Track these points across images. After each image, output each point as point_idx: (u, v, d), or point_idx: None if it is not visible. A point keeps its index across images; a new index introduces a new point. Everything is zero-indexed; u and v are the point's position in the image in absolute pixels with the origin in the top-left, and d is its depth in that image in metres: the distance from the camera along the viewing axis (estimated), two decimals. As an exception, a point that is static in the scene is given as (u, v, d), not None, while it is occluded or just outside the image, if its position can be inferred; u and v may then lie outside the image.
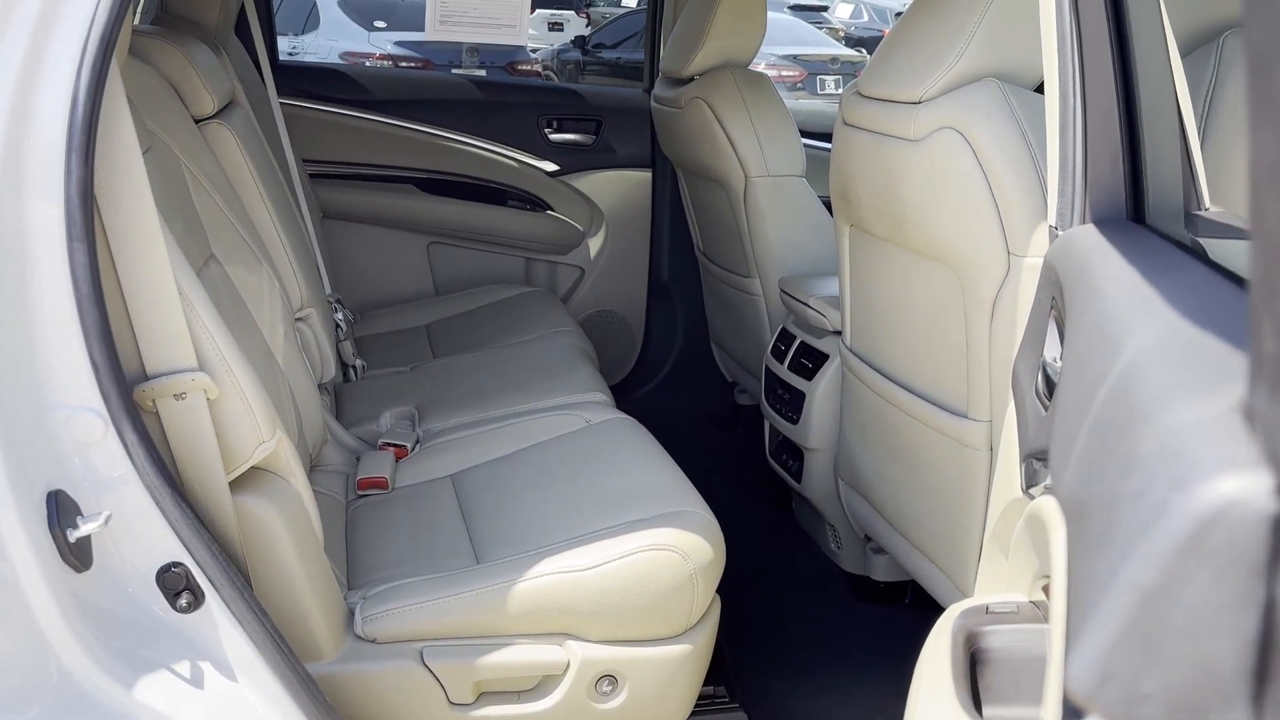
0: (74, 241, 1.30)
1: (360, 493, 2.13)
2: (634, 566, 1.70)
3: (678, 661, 1.74)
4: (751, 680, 2.15)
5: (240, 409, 1.50)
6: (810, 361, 2.55)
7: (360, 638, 1.68)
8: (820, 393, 2.49)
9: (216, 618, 1.41)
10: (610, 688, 1.73)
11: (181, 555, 1.39)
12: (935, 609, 2.52)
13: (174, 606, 1.40)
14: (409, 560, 1.85)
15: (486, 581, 1.70)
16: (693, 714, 1.83)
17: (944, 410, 1.94)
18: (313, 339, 2.34)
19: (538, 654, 1.70)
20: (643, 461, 2.03)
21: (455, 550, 1.86)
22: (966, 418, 1.89)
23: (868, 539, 2.53)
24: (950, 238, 1.82)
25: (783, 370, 2.64)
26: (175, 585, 1.39)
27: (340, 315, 2.66)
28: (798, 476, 2.63)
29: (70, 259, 1.30)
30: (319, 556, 1.66)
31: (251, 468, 1.55)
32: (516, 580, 1.69)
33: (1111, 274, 0.98)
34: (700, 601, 1.76)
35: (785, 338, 2.70)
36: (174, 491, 1.39)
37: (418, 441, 2.30)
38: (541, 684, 1.73)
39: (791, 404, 2.59)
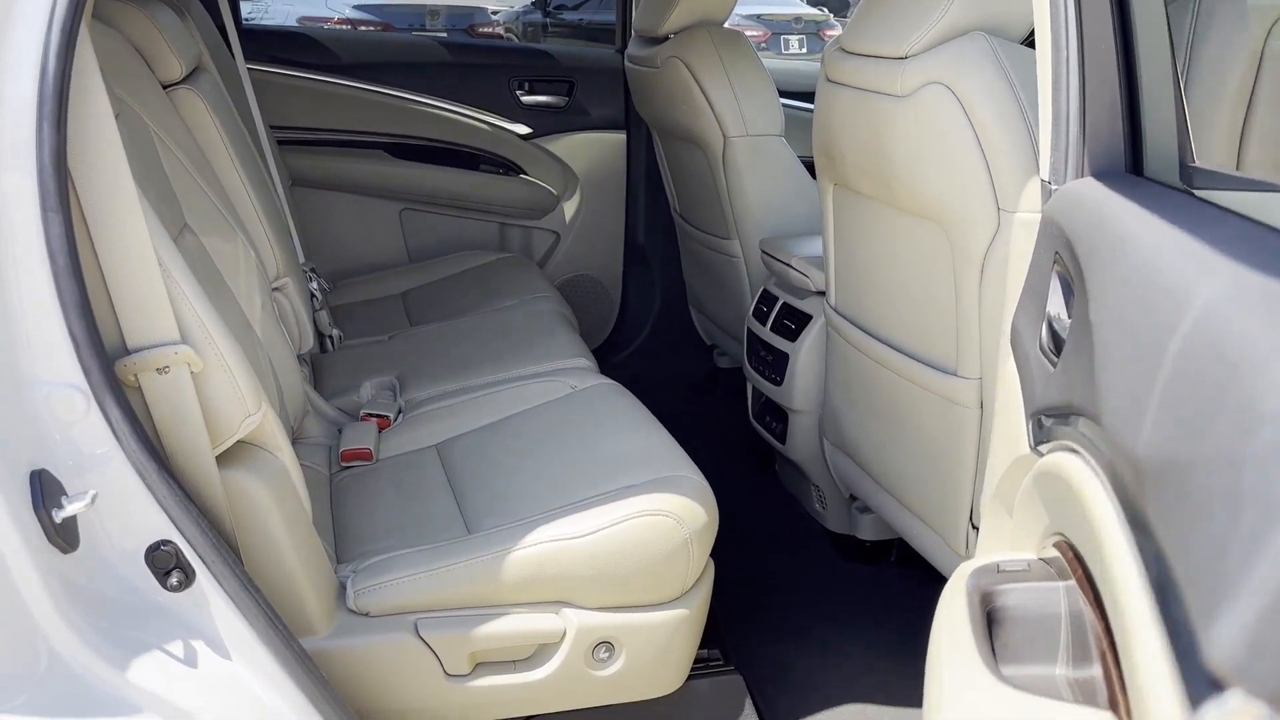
0: (49, 213, 1.26)
1: (344, 465, 2.09)
2: (629, 532, 1.68)
3: (674, 626, 1.73)
4: (743, 642, 2.15)
5: (225, 382, 1.47)
6: (793, 322, 2.53)
7: (353, 611, 1.65)
8: (804, 354, 2.47)
9: (208, 595, 1.38)
10: (607, 654, 1.72)
11: (170, 533, 1.36)
12: (921, 566, 2.53)
13: (164, 585, 1.36)
14: (399, 532, 1.83)
15: (480, 551, 1.68)
16: (689, 677, 1.82)
17: (932, 368, 1.94)
18: (290, 309, 2.30)
19: (534, 623, 1.69)
20: (631, 427, 2.01)
21: (446, 521, 1.83)
22: (956, 375, 1.88)
23: (853, 499, 2.53)
24: (938, 194, 1.81)
25: (765, 332, 2.63)
26: (165, 564, 1.36)
27: (315, 285, 2.61)
28: (782, 438, 2.62)
29: (45, 231, 1.26)
30: (308, 530, 1.63)
31: (237, 442, 1.52)
32: (511, 549, 1.67)
33: (1144, 227, 0.97)
34: (695, 565, 1.75)
35: (767, 299, 2.68)
36: (160, 468, 1.35)
37: (400, 411, 2.27)
38: (538, 652, 1.72)
39: (775, 366, 2.58)
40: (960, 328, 1.85)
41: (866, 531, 2.53)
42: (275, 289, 2.26)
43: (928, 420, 1.97)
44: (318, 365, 2.53)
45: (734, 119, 2.71)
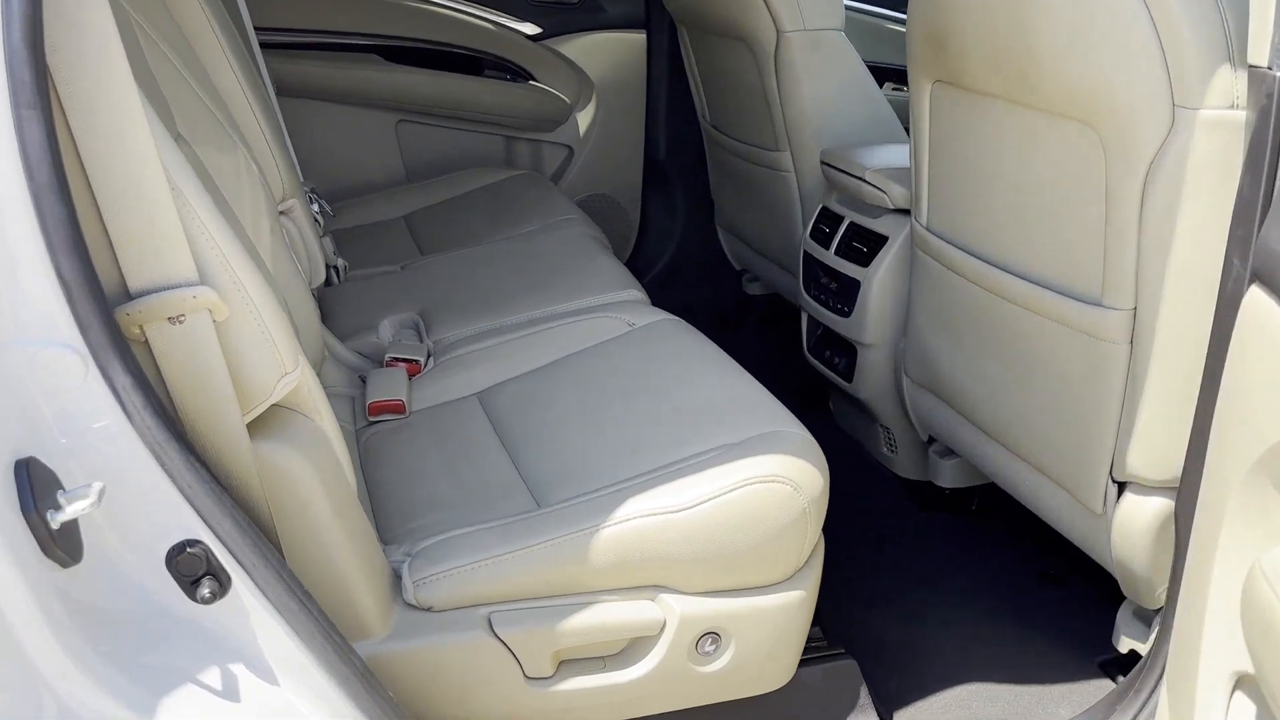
0: (23, 109, 0.93)
1: (371, 419, 1.79)
2: (739, 503, 1.40)
3: (788, 610, 1.46)
4: (832, 612, 1.89)
5: (255, 332, 1.15)
6: (864, 245, 2.23)
7: (413, 606, 1.36)
8: (879, 281, 2.18)
9: (248, 606, 1.09)
10: (713, 646, 1.44)
11: (198, 530, 1.06)
12: (1005, 517, 2.29)
13: (193, 597, 1.06)
14: (452, 504, 1.53)
15: (560, 529, 1.39)
16: (805, 660, 1.56)
17: (1069, 298, 1.65)
18: (298, 236, 1.96)
19: (627, 613, 1.40)
20: (711, 371, 1.71)
21: (507, 490, 1.54)
22: (1101, 305, 1.60)
23: (930, 441, 2.27)
24: (1095, 88, 1.50)
25: (828, 256, 2.33)
26: (193, 570, 1.06)
27: (316, 207, 2.27)
28: (846, 375, 2.34)
29: (20, 135, 0.93)
30: (356, 510, 1.33)
31: (272, 407, 1.21)
32: (598, 526, 1.38)
33: None
34: (810, 538, 1.47)
35: (829, 219, 2.37)
36: (182, 446, 1.04)
37: (430, 355, 1.95)
38: (632, 647, 1.44)
39: (841, 294, 2.29)
40: (1110, 250, 1.57)
41: (946, 478, 2.26)
42: (282, 213, 1.93)
43: (1059, 358, 1.69)
44: (324, 301, 2.20)
45: (790, 11, 2.37)
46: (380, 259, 2.42)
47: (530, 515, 1.44)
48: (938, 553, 2.17)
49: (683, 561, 1.40)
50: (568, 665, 1.42)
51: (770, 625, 1.45)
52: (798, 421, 1.57)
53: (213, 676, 1.06)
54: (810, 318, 2.49)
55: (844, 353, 2.36)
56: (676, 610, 1.41)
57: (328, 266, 2.24)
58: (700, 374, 1.71)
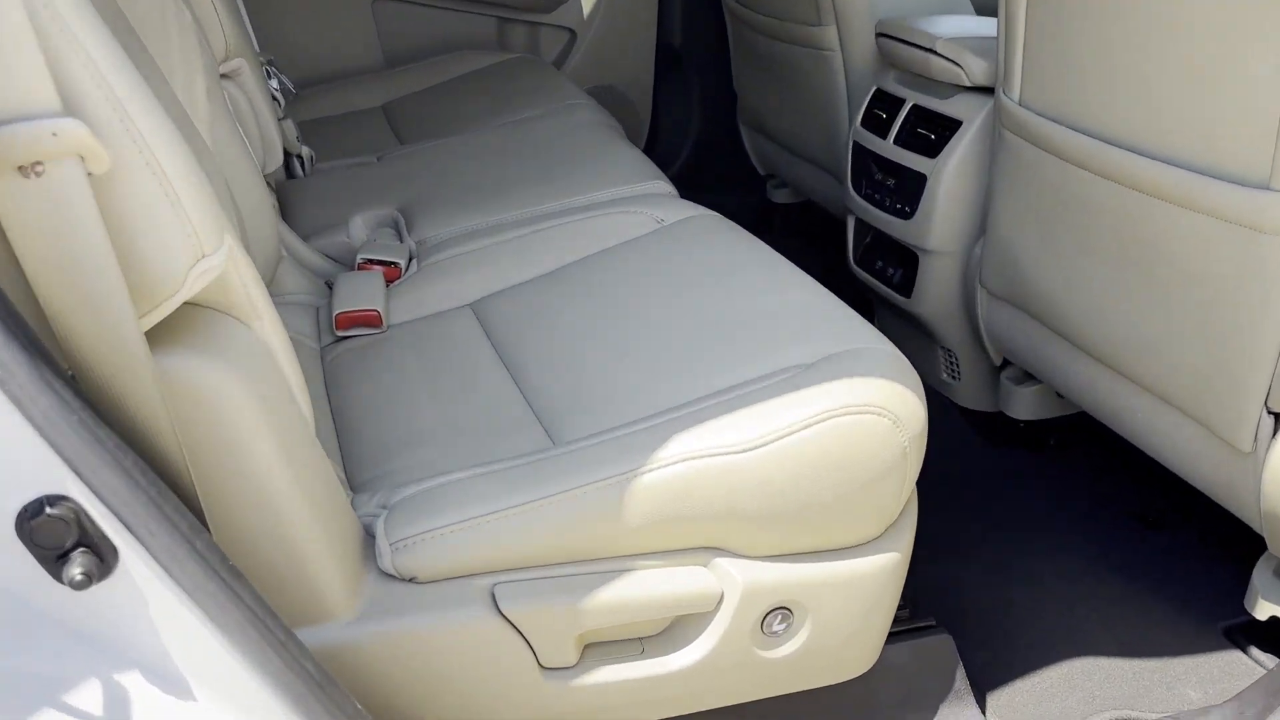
0: None
1: (340, 333, 1.43)
2: (822, 442, 1.06)
3: (879, 577, 1.13)
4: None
5: (156, 198, 0.79)
6: (932, 131, 1.87)
7: (391, 577, 1.02)
8: (950, 172, 1.82)
9: (144, 590, 0.74)
10: (784, 625, 1.11)
11: (65, 482, 0.71)
12: (1090, 453, 1.97)
13: (60, 578, 0.72)
14: (441, 439, 1.19)
15: (584, 475, 1.04)
16: (892, 635, 1.24)
17: (1223, 181, 1.30)
18: (247, 107, 1.59)
19: (673, 583, 1.07)
20: (766, 275, 1.36)
21: (514, 424, 1.19)
22: (1269, 189, 1.25)
23: (1004, 366, 1.93)
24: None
25: (886, 146, 1.96)
26: (58, 539, 0.71)
27: (275, 83, 1.88)
28: (903, 289, 1.99)
29: None
30: (311, 449, 0.98)
31: (186, 307, 0.86)
32: (635, 472, 1.04)
33: None
34: (908, 485, 1.14)
35: (885, 102, 2.01)
36: (35, 358, 0.69)
37: (412, 258, 1.59)
38: (678, 628, 1.11)
39: (901, 191, 1.93)
40: (1290, 116, 1.21)
41: (1022, 408, 1.92)
42: (225, 75, 1.55)
43: (1202, 259, 1.35)
44: (285, 195, 1.84)
45: None
46: (353, 149, 2.05)
47: (544, 456, 1.09)
48: (1013, 496, 1.84)
49: (746, 517, 1.06)
50: (595, 651, 1.09)
51: (856, 596, 1.12)
52: (883, 337, 1.22)
53: (90, 693, 0.72)
54: (858, 222, 2.13)
55: (901, 262, 2.01)
56: (737, 579, 1.08)
57: (289, 155, 1.87)
58: (754, 278, 1.36)
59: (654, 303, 1.33)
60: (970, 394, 2.00)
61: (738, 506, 1.05)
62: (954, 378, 2.02)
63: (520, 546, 1.03)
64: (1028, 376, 1.90)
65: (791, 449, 1.05)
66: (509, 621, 1.02)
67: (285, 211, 1.78)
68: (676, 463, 1.04)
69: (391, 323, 1.46)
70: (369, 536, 1.05)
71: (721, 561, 1.08)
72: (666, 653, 1.09)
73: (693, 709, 1.13)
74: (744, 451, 1.05)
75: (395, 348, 1.40)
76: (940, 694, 1.31)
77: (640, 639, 1.11)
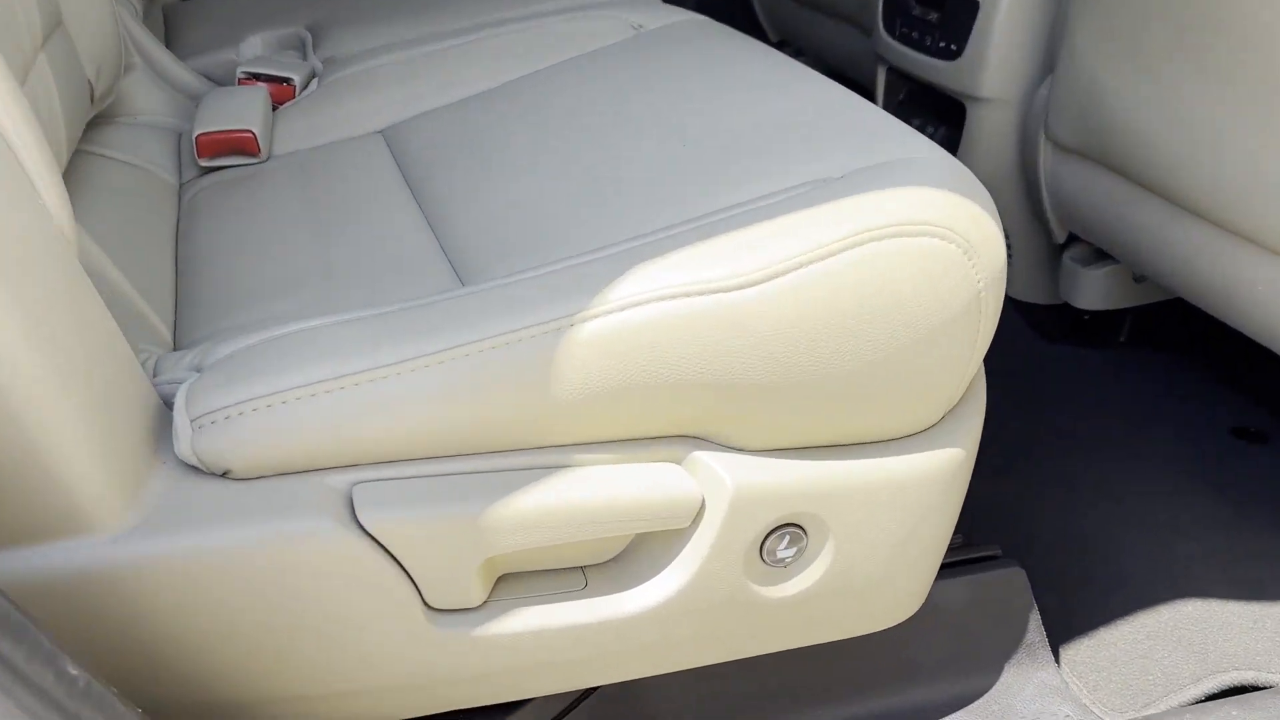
0: None
1: (205, 163, 1.07)
2: (856, 275, 0.69)
3: (933, 484, 0.77)
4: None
5: None
6: (985, -54, 1.49)
7: (193, 469, 0.67)
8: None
9: None
10: (793, 550, 0.76)
11: None
12: (1168, 350, 1.61)
13: None
14: (311, 287, 0.83)
15: (493, 323, 0.68)
16: (943, 570, 0.89)
17: None
18: None
19: (630, 485, 0.71)
20: (777, 80, 0.99)
21: (412, 266, 0.84)
22: None
23: (1068, 244, 1.56)
24: None
25: (926, -29, 1.58)
26: None
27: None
28: (949, 149, 1.61)
29: None
30: (68, 288, 0.62)
31: None
32: (573, 317, 0.68)
33: None
34: (980, 349, 0.78)
35: (926, -83, 1.62)
36: None
37: (314, 75, 1.22)
38: (636, 552, 0.75)
39: (947, 25, 1.55)
40: None
41: (1089, 295, 1.56)
42: None
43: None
44: (174, 19, 1.46)
45: None
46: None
47: (438, 299, 0.73)
48: (1079, 403, 1.48)
49: (740, 389, 0.70)
50: (513, 585, 0.74)
51: (898, 510, 0.77)
52: (937, 146, 0.86)
53: None
54: (890, 75, 1.75)
55: (943, 118, 1.64)
56: (725, 482, 0.72)
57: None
58: (758, 83, 0.98)
59: (624, 121, 0.96)
60: (1025, 281, 1.63)
61: (728, 372, 0.69)
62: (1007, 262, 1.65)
63: (394, 428, 0.67)
64: (1097, 256, 1.53)
65: (810, 286, 0.69)
66: (375, 540, 0.66)
67: (172, 36, 1.40)
68: (635, 305, 0.68)
69: (276, 152, 1.10)
70: (165, 410, 0.69)
71: (703, 456, 0.73)
72: (621, 588, 0.74)
73: (660, 669, 0.78)
74: (739, 289, 0.69)
75: (274, 181, 1.04)
76: (1006, 648, 0.96)
77: (582, 568, 0.76)
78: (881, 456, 0.76)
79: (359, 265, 0.86)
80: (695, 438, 0.74)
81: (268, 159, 1.09)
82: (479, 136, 1.03)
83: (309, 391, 0.66)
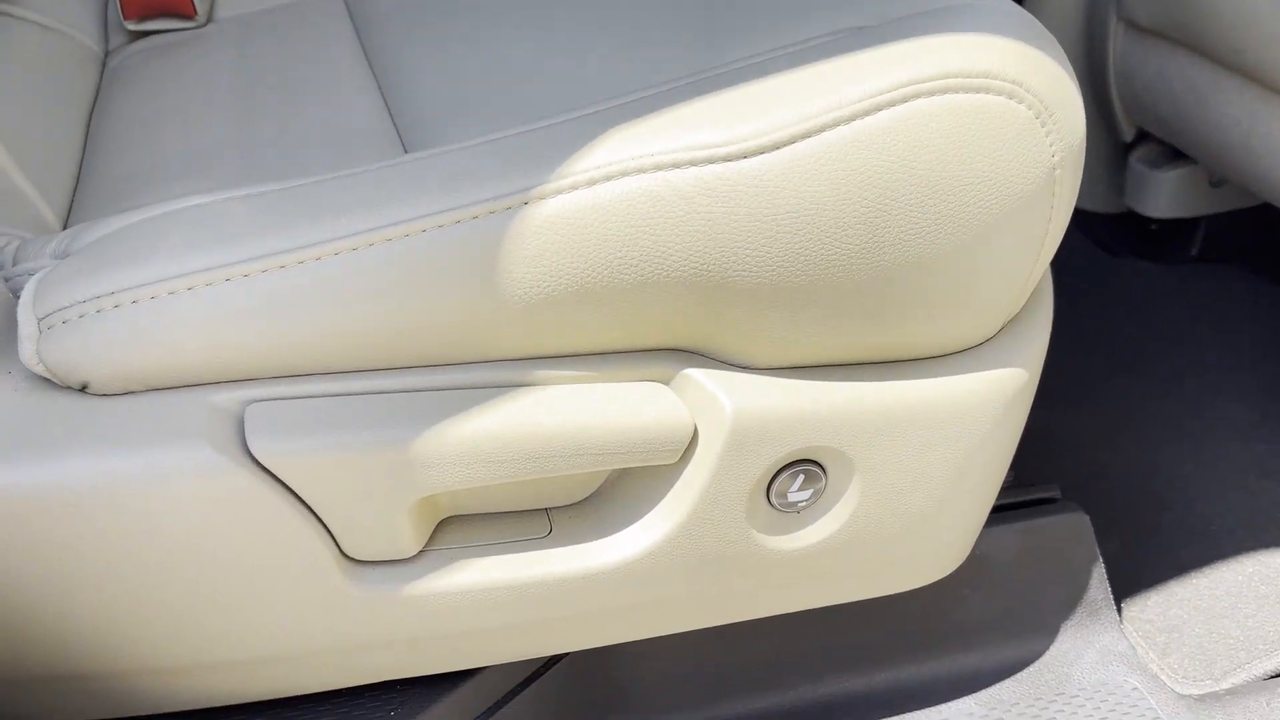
0: None
1: (133, 26, 0.92)
2: (894, 141, 0.53)
3: (987, 411, 0.62)
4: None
5: None
6: None
7: (42, 381, 0.53)
8: None
9: None
10: (808, 491, 0.61)
11: None
12: (1240, 268, 1.44)
13: None
14: (226, 161, 0.68)
15: (431, 199, 0.53)
16: (993, 515, 0.74)
17: None
18: None
19: (606, 409, 0.56)
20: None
21: (355, 137, 0.69)
22: None
23: (1132, 144, 1.38)
24: None
25: None
26: None
27: None
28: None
29: None
30: None
31: None
32: (531, 192, 0.53)
33: None
34: (1048, 249, 0.62)
35: None
36: None
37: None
38: (613, 491, 0.61)
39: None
40: None
41: (1159, 203, 1.38)
42: None
43: None
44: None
45: None
46: None
47: (362, 171, 0.58)
48: (1146, 322, 1.31)
49: (741, 289, 0.55)
50: (457, 532, 0.59)
51: (941, 444, 0.61)
52: (1006, -3, 0.68)
53: None
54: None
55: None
56: (724, 406, 0.57)
57: None
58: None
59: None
60: (1084, 187, 1.46)
61: (726, 267, 0.54)
62: (1060, 166, 1.47)
63: (297, 333, 0.52)
64: (1169, 157, 1.35)
65: (835, 154, 0.53)
66: (271, 475, 0.52)
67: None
68: (607, 178, 0.53)
69: (220, 15, 0.94)
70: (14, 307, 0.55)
71: (696, 375, 0.58)
72: (594, 536, 0.60)
73: (640, 634, 0.64)
74: (741, 158, 0.53)
75: (210, 48, 0.88)
76: (1065, 607, 0.81)
77: (546, 510, 0.61)
78: (922, 378, 0.60)
79: (288, 139, 0.71)
80: (687, 351, 0.59)
81: (207, 22, 0.93)
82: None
83: (184, 284, 0.51)
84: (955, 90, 0.54)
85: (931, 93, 0.54)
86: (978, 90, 0.54)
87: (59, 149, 0.75)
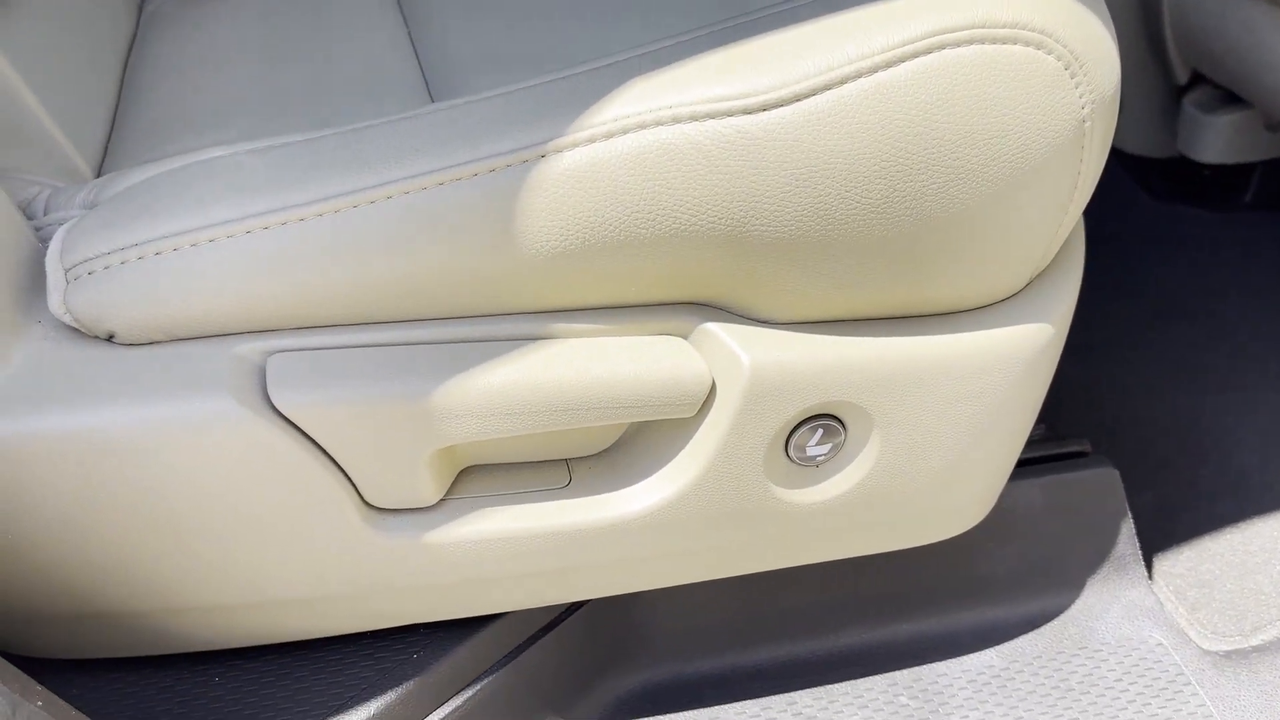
0: None
1: (166, -28, 0.92)
2: (918, 94, 0.52)
3: (1013, 367, 0.61)
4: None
5: None
6: None
7: (70, 330, 0.54)
8: None
9: None
10: (827, 446, 0.61)
11: None
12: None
13: None
14: (252, 110, 0.69)
15: (446, 153, 0.53)
16: (1020, 468, 0.73)
17: None
18: None
19: (624, 361, 0.57)
20: None
21: (382, 86, 0.69)
22: None
23: (1186, 88, 1.34)
24: None
25: None
26: None
27: None
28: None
29: None
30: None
31: None
32: (545, 146, 0.52)
33: None
34: (1078, 203, 0.60)
35: None
36: None
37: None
38: (631, 443, 0.61)
39: None
40: None
41: (1213, 148, 1.34)
42: None
43: None
44: None
45: None
46: None
47: (379, 122, 0.58)
48: (1193, 270, 1.29)
49: (765, 243, 0.54)
50: (479, 479, 0.60)
51: (965, 402, 0.61)
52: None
53: None
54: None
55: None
56: (742, 360, 0.57)
57: None
58: None
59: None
60: (1134, 131, 1.42)
61: (746, 221, 0.54)
62: (1111, 108, 1.43)
63: (318, 283, 0.53)
64: (1224, 101, 1.32)
65: (857, 107, 0.52)
66: (293, 425, 0.53)
67: None
68: (624, 131, 0.53)
69: (253, -40, 0.94)
70: (39, 258, 0.56)
71: (714, 329, 0.58)
72: (612, 487, 0.61)
73: (659, 583, 0.65)
74: (761, 110, 0.52)
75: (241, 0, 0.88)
76: (1091, 561, 0.81)
77: (566, 461, 0.62)
78: (945, 334, 0.60)
79: (317, 87, 0.71)
80: (706, 304, 0.59)
81: (241, -32, 0.93)
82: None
83: (206, 235, 0.52)
84: (981, 41, 0.53)
85: (957, 44, 0.53)
86: (1005, 41, 0.53)
87: (94, 98, 0.76)
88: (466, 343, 0.55)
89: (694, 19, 0.65)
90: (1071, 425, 0.94)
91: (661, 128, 0.53)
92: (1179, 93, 1.36)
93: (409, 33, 0.78)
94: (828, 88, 0.52)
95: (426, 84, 0.70)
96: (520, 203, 0.53)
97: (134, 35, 0.88)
